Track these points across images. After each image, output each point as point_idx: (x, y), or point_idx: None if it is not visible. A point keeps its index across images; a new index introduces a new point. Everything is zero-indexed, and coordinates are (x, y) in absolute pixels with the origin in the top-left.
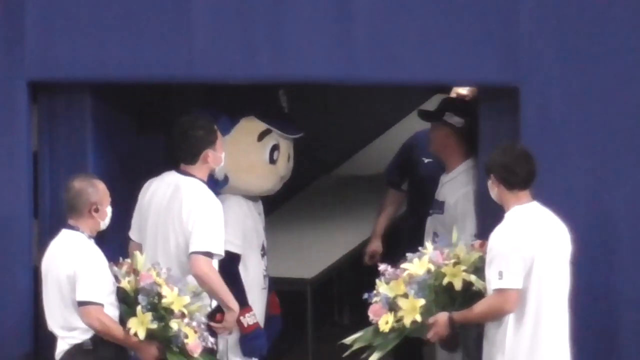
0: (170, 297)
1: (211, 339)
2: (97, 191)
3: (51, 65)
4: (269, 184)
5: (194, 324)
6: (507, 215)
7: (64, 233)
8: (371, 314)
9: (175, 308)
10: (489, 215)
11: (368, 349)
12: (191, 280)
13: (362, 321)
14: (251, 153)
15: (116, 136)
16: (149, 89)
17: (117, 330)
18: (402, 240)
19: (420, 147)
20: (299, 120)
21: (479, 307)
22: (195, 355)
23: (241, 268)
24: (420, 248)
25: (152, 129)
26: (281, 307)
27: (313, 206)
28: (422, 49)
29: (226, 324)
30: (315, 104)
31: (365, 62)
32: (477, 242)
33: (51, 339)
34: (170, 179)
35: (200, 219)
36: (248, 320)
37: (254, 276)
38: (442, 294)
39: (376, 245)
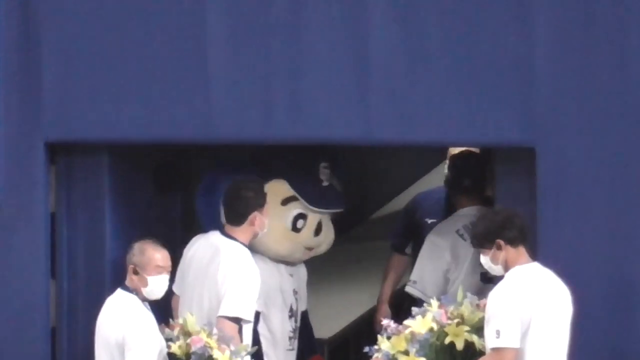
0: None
1: None
2: (140, 254)
3: (68, 126)
4: (286, 250)
5: None
6: (507, 275)
7: (118, 293)
8: None
9: None
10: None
11: None
12: (245, 338)
13: None
14: (272, 216)
15: (133, 196)
16: (166, 149)
17: None
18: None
19: (422, 209)
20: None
21: None
22: None
23: (263, 326)
24: (425, 304)
25: (169, 190)
26: None
27: (330, 266)
28: (439, 110)
29: None
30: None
31: (382, 123)
32: (482, 302)
33: None
34: (213, 239)
35: (234, 284)
36: None
37: (278, 336)
38: (442, 353)
39: (384, 312)
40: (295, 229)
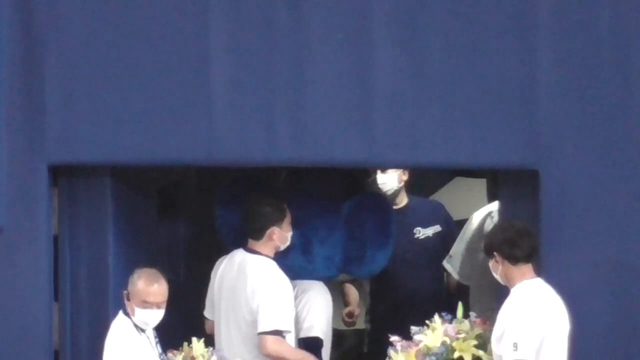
0: None
1: None
2: (133, 284)
3: (71, 148)
4: None
5: None
6: (515, 290)
7: (118, 316)
8: None
9: None
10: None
11: None
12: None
13: None
14: None
15: (136, 219)
16: (169, 172)
17: None
18: None
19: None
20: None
21: None
22: None
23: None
24: (427, 322)
25: (173, 213)
26: None
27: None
28: (442, 133)
29: None
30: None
31: (385, 145)
32: (478, 320)
33: None
34: (237, 257)
35: (265, 297)
36: None
37: None
38: None
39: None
40: None
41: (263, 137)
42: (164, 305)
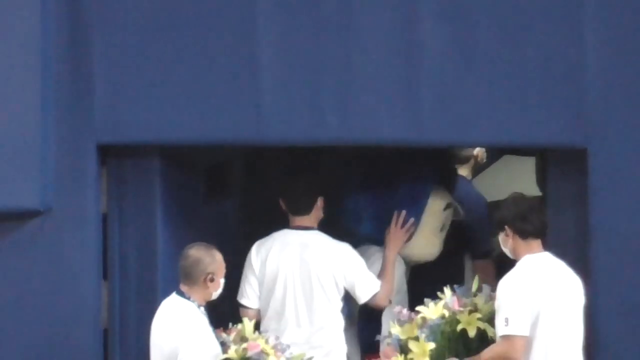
0: None
1: None
2: (214, 261)
3: (120, 128)
4: (437, 248)
5: None
6: (518, 264)
7: (174, 299)
8: (382, 356)
9: None
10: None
11: None
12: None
13: None
14: (435, 219)
15: (185, 198)
16: (217, 151)
17: None
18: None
19: None
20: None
21: (486, 354)
22: None
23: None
24: (438, 293)
25: (221, 193)
26: None
27: None
28: (489, 111)
29: None
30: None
31: (433, 124)
32: (494, 294)
33: None
34: (289, 238)
35: (355, 267)
36: None
37: None
38: (455, 341)
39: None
40: (442, 230)
41: (310, 116)
42: None
